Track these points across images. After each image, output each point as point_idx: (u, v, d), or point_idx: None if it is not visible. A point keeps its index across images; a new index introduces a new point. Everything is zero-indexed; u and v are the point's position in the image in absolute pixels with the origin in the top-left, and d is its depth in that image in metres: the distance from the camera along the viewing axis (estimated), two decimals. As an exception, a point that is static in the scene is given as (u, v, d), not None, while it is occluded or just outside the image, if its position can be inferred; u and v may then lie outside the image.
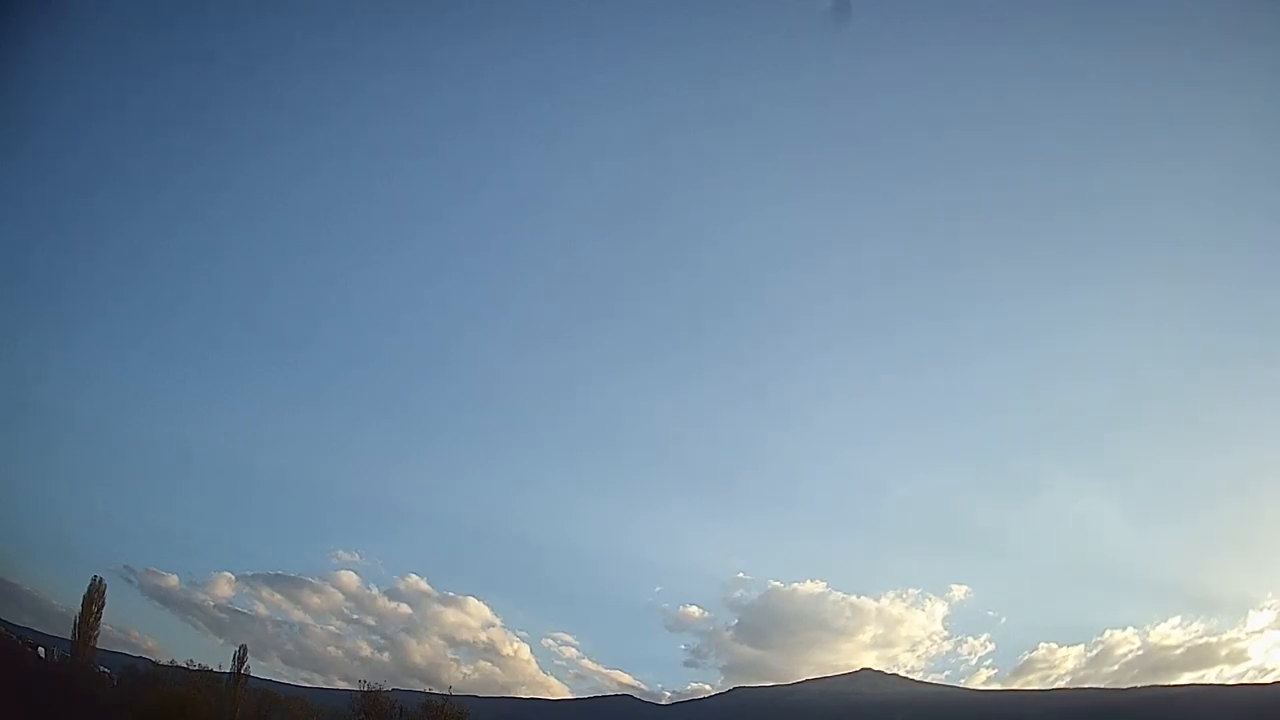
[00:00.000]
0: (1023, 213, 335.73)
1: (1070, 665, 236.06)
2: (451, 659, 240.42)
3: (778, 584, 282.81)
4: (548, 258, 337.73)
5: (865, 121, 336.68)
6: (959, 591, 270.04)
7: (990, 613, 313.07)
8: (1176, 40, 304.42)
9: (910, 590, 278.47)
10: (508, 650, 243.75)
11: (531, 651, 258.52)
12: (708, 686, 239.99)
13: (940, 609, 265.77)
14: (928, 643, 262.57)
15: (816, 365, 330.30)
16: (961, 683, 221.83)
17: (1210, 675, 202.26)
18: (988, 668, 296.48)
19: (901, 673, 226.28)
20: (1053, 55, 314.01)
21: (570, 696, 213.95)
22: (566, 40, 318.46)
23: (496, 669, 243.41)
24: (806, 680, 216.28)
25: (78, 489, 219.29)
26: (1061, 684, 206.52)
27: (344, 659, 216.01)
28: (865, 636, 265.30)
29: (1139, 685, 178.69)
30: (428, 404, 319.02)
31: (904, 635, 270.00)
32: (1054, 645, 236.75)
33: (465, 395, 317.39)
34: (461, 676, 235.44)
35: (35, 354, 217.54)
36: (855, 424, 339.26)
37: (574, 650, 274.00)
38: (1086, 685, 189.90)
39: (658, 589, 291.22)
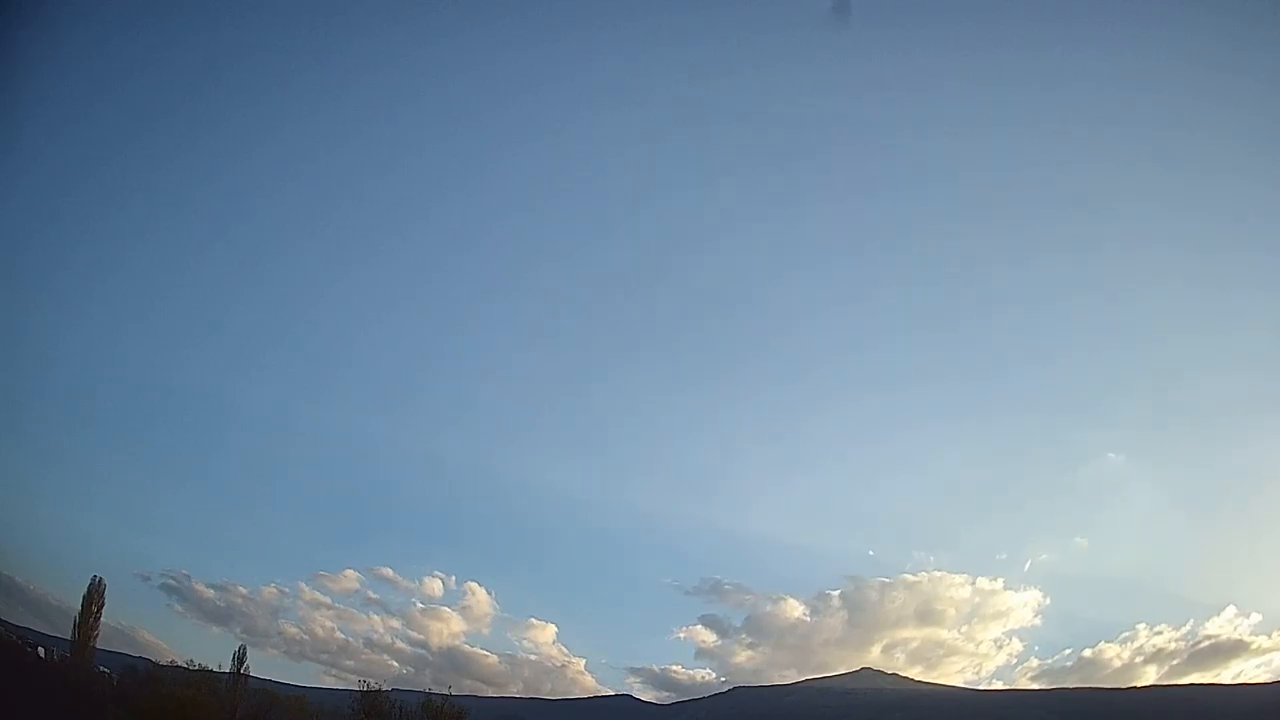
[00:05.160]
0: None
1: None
2: (470, 647, 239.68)
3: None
4: (546, 252, 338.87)
5: (868, 122, 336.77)
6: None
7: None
8: (1176, 43, 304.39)
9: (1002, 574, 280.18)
10: (533, 634, 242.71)
11: (558, 636, 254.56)
12: (720, 677, 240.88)
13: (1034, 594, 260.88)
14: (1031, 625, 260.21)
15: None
16: (963, 683, 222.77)
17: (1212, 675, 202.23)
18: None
19: (902, 672, 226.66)
20: (1053, 58, 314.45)
21: (570, 696, 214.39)
22: (560, 38, 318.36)
23: (524, 657, 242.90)
24: (806, 680, 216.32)
25: (76, 484, 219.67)
26: (1065, 684, 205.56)
27: (355, 647, 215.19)
28: (953, 618, 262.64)
29: (1140, 685, 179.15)
30: (441, 393, 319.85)
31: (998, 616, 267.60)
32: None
33: (476, 385, 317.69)
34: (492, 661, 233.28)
35: (33, 350, 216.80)
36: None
37: (598, 642, 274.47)
38: (1089, 685, 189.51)
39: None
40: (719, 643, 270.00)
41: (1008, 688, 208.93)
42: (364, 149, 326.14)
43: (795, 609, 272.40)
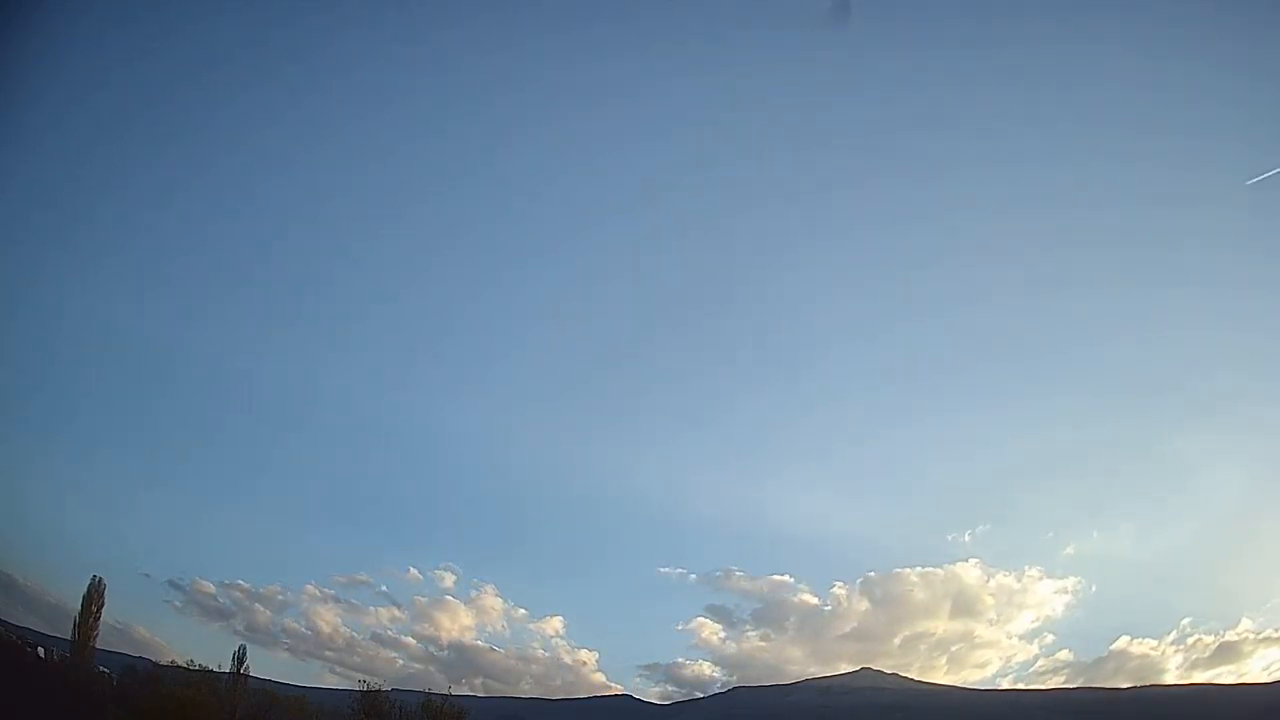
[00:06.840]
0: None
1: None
2: (478, 642, 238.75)
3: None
4: (552, 239, 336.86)
5: (869, 119, 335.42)
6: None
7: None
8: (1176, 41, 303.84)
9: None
10: (541, 629, 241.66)
11: (567, 632, 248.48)
12: (727, 672, 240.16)
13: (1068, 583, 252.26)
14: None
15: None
16: (965, 682, 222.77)
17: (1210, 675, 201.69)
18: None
19: (902, 673, 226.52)
20: (1053, 56, 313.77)
21: (576, 695, 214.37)
22: (559, 33, 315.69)
23: (533, 653, 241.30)
24: (806, 680, 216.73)
25: (76, 481, 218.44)
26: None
27: (361, 643, 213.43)
28: (982, 609, 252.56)
29: (1139, 685, 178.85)
30: (445, 379, 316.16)
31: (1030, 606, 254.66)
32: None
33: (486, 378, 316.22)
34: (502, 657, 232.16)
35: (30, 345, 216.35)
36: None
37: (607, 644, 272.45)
38: (1089, 685, 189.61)
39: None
40: (725, 635, 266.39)
41: (1011, 687, 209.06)
42: (367, 135, 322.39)
43: (810, 599, 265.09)
